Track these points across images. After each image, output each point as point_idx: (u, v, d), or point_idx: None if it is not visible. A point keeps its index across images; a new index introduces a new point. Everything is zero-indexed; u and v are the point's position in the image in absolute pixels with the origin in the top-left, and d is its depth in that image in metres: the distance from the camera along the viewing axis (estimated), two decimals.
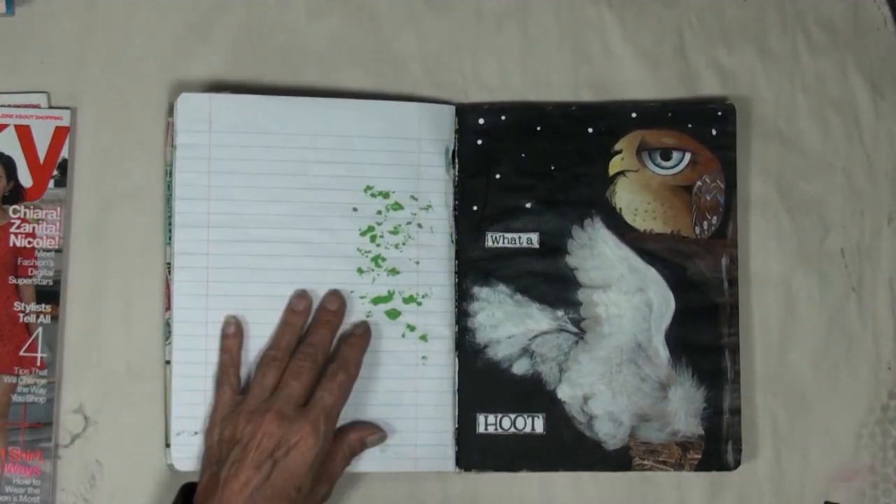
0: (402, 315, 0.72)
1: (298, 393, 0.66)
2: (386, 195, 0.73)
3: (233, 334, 0.70)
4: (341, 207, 0.72)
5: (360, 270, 0.72)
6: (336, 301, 0.71)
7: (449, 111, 0.74)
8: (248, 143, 0.71)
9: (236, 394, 0.69)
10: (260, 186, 0.71)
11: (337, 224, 0.72)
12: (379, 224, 0.72)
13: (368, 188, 0.72)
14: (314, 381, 0.67)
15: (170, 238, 0.71)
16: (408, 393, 0.72)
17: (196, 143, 0.71)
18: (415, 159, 0.73)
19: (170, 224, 0.71)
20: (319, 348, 0.69)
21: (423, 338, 0.72)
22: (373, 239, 0.72)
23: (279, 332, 0.70)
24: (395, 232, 0.72)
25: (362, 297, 0.72)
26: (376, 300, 0.72)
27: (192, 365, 0.70)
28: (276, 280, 0.71)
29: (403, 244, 0.73)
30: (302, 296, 0.71)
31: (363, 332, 0.71)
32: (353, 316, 0.72)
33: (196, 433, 0.70)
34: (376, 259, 0.72)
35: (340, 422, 0.68)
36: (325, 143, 0.72)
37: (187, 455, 0.70)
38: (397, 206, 0.73)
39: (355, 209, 0.72)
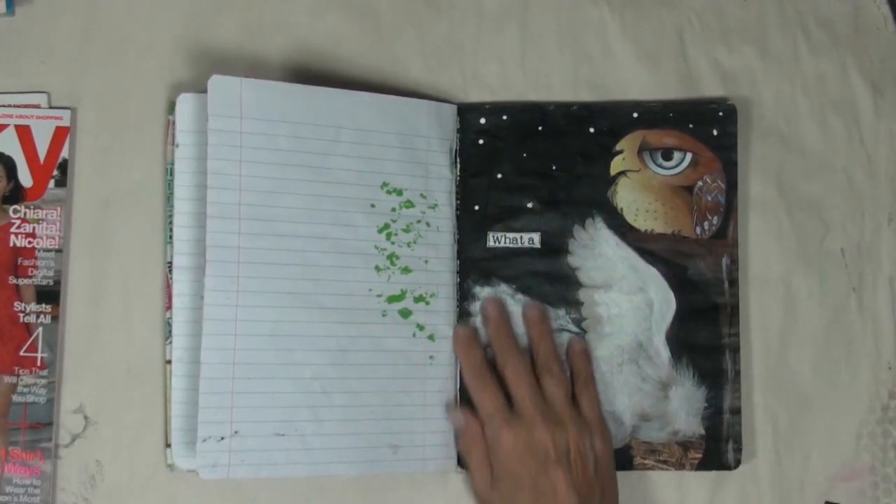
0: (413, 314, 0.72)
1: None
2: (399, 192, 0.72)
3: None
4: (360, 203, 0.71)
5: (377, 268, 0.71)
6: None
7: (452, 110, 0.74)
8: (276, 132, 0.69)
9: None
10: (287, 178, 0.69)
11: (357, 220, 0.70)
12: (394, 221, 0.72)
13: (385, 184, 0.71)
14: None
15: (171, 237, 0.70)
16: (416, 393, 0.71)
17: (227, 129, 0.68)
18: (424, 157, 0.73)
19: (171, 223, 0.70)
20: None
21: (431, 337, 0.72)
22: (388, 236, 0.71)
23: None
24: (407, 230, 0.72)
25: (379, 296, 0.71)
26: (391, 299, 0.71)
27: (222, 366, 0.66)
28: (299, 276, 0.69)
29: (414, 242, 0.72)
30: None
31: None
32: (370, 314, 0.70)
33: (222, 439, 0.66)
34: (391, 257, 0.71)
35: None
36: (348, 137, 0.71)
37: (214, 462, 0.66)
38: (409, 204, 0.72)
39: (373, 205, 0.71)
